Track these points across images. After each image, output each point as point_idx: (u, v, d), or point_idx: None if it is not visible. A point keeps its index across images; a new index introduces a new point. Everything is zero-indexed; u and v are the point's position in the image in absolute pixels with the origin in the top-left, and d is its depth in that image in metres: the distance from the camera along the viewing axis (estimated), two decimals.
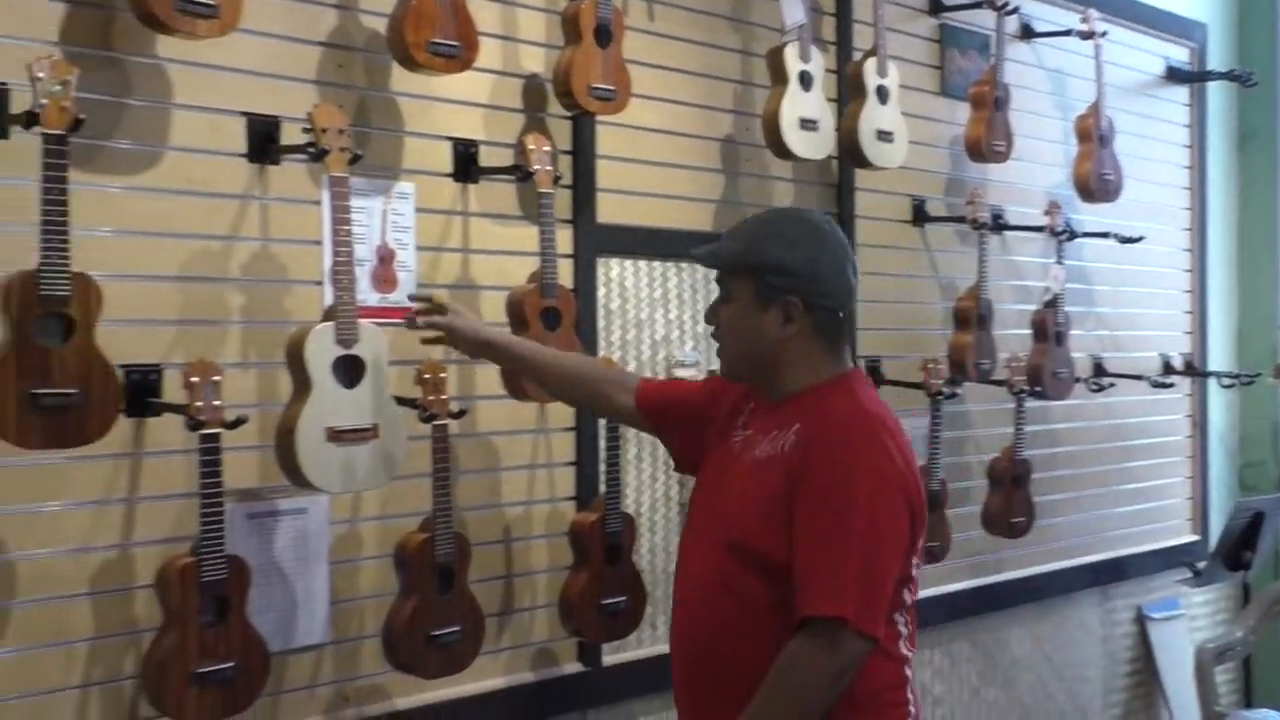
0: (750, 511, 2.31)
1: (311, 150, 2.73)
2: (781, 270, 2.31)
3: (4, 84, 2.45)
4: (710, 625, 2.35)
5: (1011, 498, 4.50)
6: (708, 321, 2.45)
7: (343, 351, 2.72)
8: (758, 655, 2.25)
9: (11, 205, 2.46)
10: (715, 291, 2.48)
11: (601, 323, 3.51)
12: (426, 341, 2.82)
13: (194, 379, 2.54)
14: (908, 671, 2.38)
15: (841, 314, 2.39)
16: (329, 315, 2.74)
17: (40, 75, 2.33)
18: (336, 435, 2.71)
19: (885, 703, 2.33)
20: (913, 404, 4.25)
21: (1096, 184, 4.84)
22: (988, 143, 4.42)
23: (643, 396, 2.67)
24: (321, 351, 2.70)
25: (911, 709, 2.38)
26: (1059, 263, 4.66)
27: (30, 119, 2.35)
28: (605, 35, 3.26)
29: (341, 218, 2.74)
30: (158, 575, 2.59)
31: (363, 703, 3.03)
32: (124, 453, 2.65)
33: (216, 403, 2.55)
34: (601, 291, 3.50)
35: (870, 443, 2.27)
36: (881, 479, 2.25)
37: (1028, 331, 4.68)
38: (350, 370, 2.74)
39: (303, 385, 2.70)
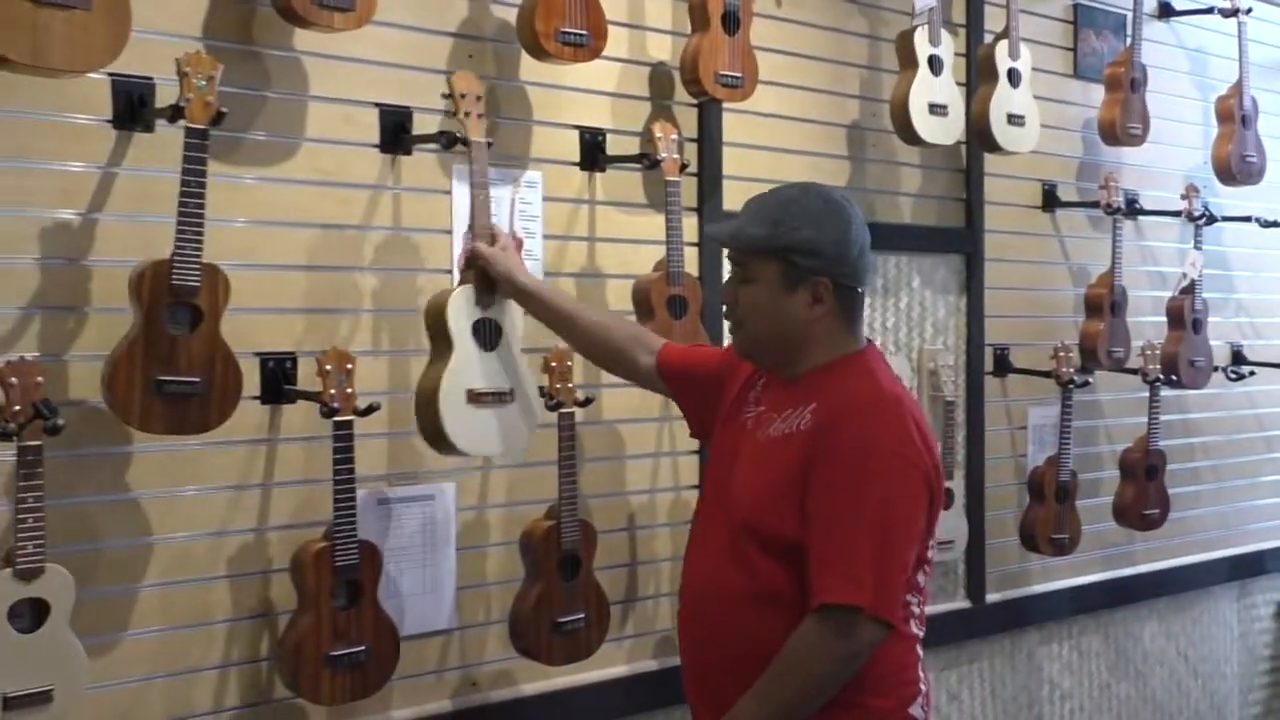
0: (763, 492, 2.27)
1: (449, 112, 2.78)
2: (812, 252, 2.25)
3: (149, 79, 2.51)
4: (723, 608, 2.31)
5: (1145, 489, 4.39)
6: (725, 303, 2.37)
7: (481, 314, 2.74)
8: (771, 638, 2.22)
9: (150, 196, 2.53)
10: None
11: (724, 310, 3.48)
12: (465, 270, 2.78)
13: (328, 367, 2.58)
14: (919, 650, 2.36)
15: (861, 290, 2.37)
16: (464, 280, 2.77)
17: (187, 71, 2.38)
18: (476, 398, 2.72)
19: (896, 682, 2.30)
20: (1043, 392, 4.17)
21: (1238, 166, 4.69)
22: (1123, 125, 4.30)
23: (664, 359, 2.64)
24: (462, 313, 2.72)
25: (921, 687, 2.35)
26: (1197, 248, 4.52)
27: (175, 113, 2.40)
28: (732, 22, 3.23)
29: (480, 181, 2.74)
30: (293, 559, 2.64)
31: (489, 688, 3.06)
32: (259, 439, 2.70)
33: (350, 390, 2.59)
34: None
35: (889, 424, 2.24)
36: (901, 461, 2.21)
37: (1163, 319, 4.55)
38: (489, 333, 2.75)
39: (443, 348, 2.72)
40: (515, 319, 2.82)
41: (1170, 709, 4.87)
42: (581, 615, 2.97)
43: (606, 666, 3.22)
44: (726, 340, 3.47)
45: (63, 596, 2.28)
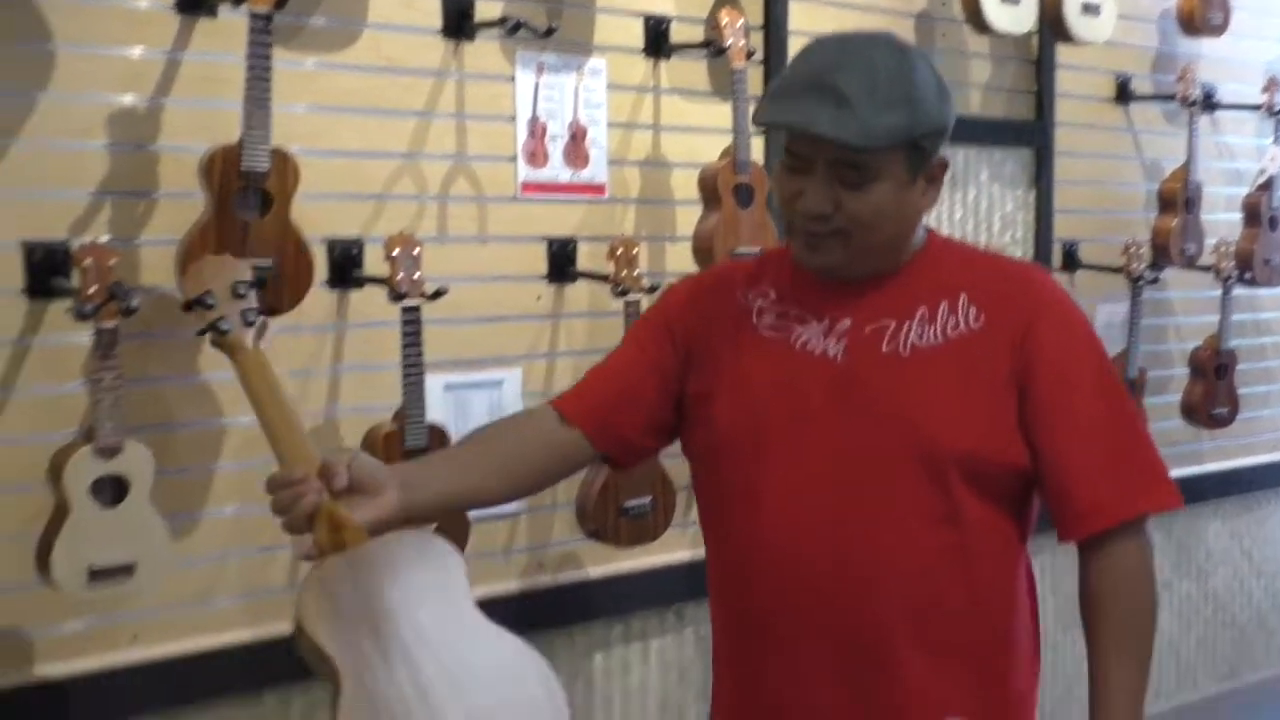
0: (973, 417, 1.75)
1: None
2: (941, 130, 1.79)
3: None
4: (903, 574, 1.75)
5: (1214, 388, 4.34)
6: (813, 213, 1.74)
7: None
8: (984, 596, 1.80)
9: (215, 81, 2.54)
10: None
11: None
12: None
13: (395, 251, 2.60)
14: None
15: None
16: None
17: None
18: None
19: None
20: (1112, 289, 4.12)
21: None
22: (1202, 15, 4.19)
23: (584, 417, 1.87)
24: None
25: None
26: (1276, 142, 4.41)
27: None
28: None
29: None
30: (363, 442, 2.68)
31: (557, 570, 3.12)
32: (328, 324, 2.74)
33: (417, 275, 2.61)
34: (774, 176, 3.45)
35: (1068, 297, 1.89)
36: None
37: (1238, 216, 4.47)
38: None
39: None
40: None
41: (1232, 608, 4.86)
42: (648, 499, 3.00)
43: (672, 551, 3.26)
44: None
45: (142, 473, 2.34)
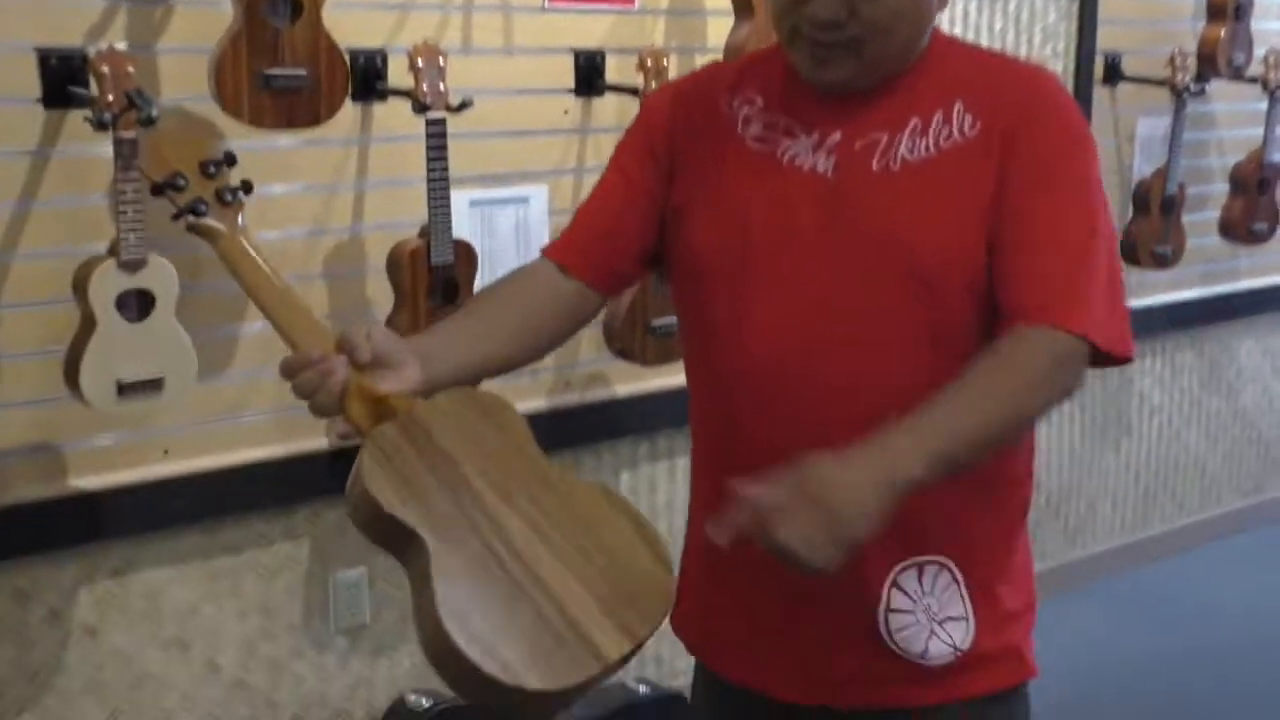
0: (954, 230, 1.59)
1: None
2: None
3: None
4: (906, 390, 1.54)
5: (1255, 203, 4.25)
6: (835, 19, 1.56)
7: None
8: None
9: None
10: None
11: None
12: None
13: (420, 62, 2.52)
14: None
15: None
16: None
17: None
18: None
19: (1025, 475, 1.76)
20: (1154, 102, 4.00)
21: None
22: None
23: (578, 265, 1.74)
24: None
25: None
26: None
27: None
28: None
29: None
30: (389, 258, 2.66)
31: (584, 389, 3.12)
32: (352, 138, 2.69)
33: (442, 86, 2.54)
34: None
35: (1071, 103, 1.67)
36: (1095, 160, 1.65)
37: None
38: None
39: None
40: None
41: (1260, 424, 4.86)
42: (674, 318, 2.97)
43: None
44: None
45: (167, 288, 2.32)
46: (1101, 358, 1.56)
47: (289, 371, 1.52)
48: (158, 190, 1.64)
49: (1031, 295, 1.55)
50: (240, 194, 1.66)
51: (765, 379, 1.63)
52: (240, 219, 1.66)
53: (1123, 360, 1.59)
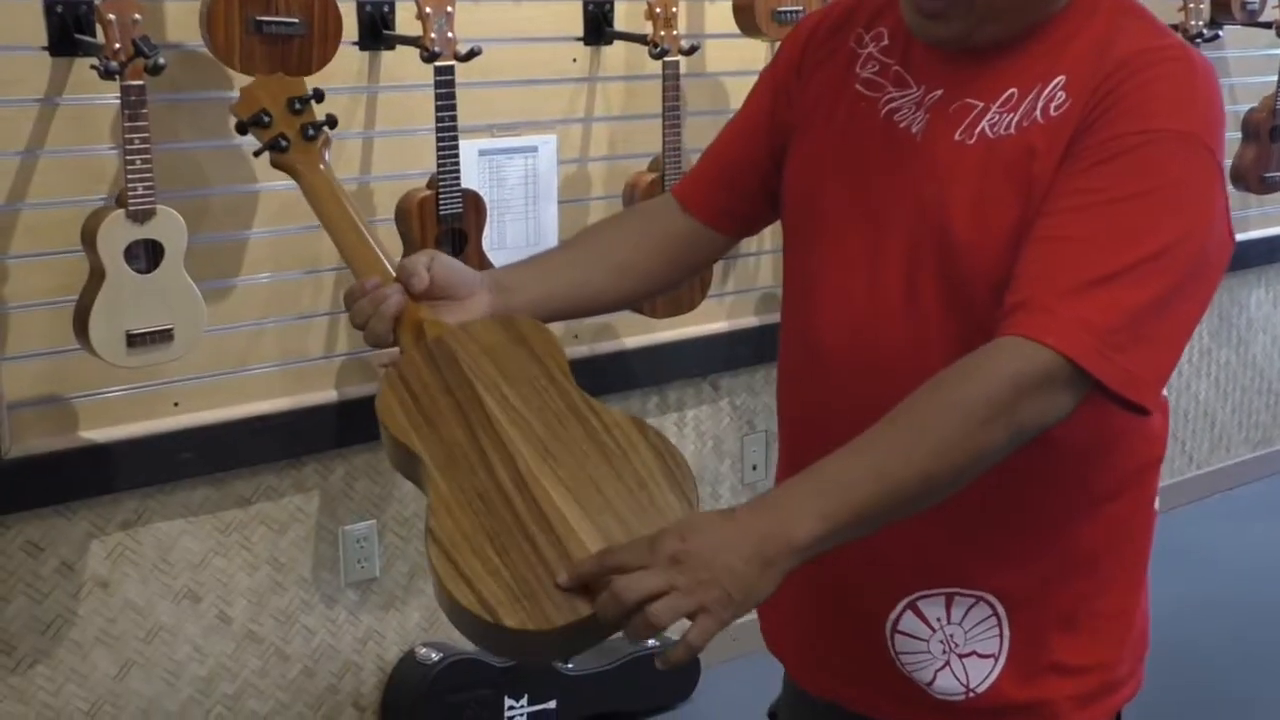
0: (997, 226, 1.36)
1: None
2: None
3: None
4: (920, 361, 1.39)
5: (1267, 151, 4.21)
6: None
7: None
8: None
9: None
10: None
11: None
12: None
13: (428, 10, 2.49)
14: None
15: None
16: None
17: None
18: None
19: (1143, 468, 1.53)
20: None
21: None
22: None
23: (697, 202, 1.64)
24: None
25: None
26: None
27: None
28: None
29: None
30: (397, 208, 2.64)
31: (593, 341, 3.10)
32: (359, 87, 2.66)
33: (450, 34, 2.51)
34: None
35: (1201, 97, 1.35)
36: (1212, 163, 1.34)
37: None
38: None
39: None
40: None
41: (1270, 375, 4.84)
42: None
43: (708, 321, 3.24)
44: None
45: (175, 238, 2.31)
46: (1114, 396, 1.27)
47: (348, 300, 1.51)
48: (242, 128, 1.65)
49: (1019, 294, 1.28)
50: (325, 129, 1.66)
51: (820, 352, 1.49)
52: (325, 154, 1.65)
53: (1138, 409, 1.28)
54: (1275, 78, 4.14)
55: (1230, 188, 4.27)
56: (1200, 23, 3.84)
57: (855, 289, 1.45)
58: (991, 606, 1.47)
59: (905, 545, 1.42)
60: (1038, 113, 1.36)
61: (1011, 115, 1.37)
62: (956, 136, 1.40)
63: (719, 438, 3.41)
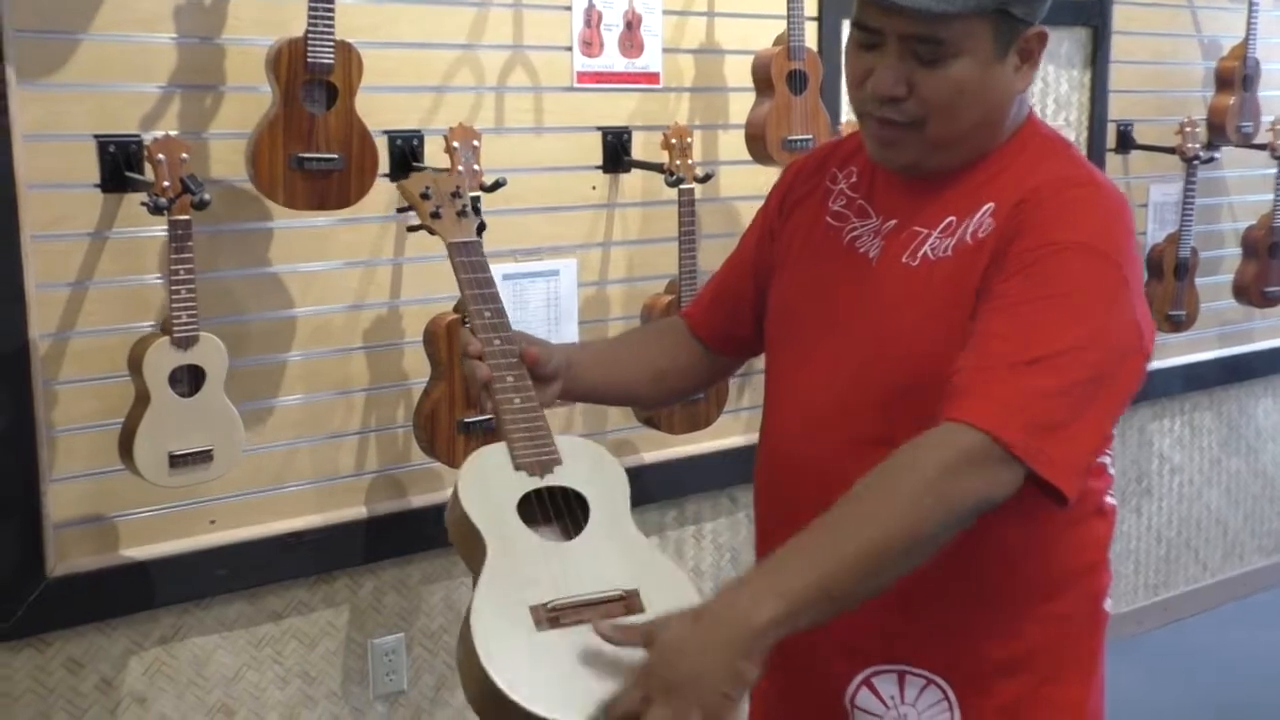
0: (930, 343, 1.52)
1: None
2: None
3: None
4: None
5: (1267, 267, 4.32)
6: (885, 96, 1.53)
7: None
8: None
9: None
10: None
11: (843, 87, 3.45)
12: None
13: (455, 144, 2.62)
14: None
15: None
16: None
17: None
18: None
19: (1085, 572, 1.66)
20: (1166, 169, 4.10)
21: None
22: None
23: (699, 325, 1.90)
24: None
25: (1111, 572, 1.72)
26: None
27: None
28: None
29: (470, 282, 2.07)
30: (426, 331, 2.74)
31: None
32: (389, 216, 2.78)
33: (476, 167, 2.64)
34: (844, 56, 3.44)
35: (1106, 219, 1.52)
36: (1124, 276, 1.49)
37: None
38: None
39: None
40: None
41: (1279, 483, 4.91)
42: None
43: (723, 437, 3.32)
44: (848, 115, 3.47)
45: (217, 363, 2.41)
46: (1045, 486, 1.38)
47: (463, 357, 1.76)
48: (406, 208, 1.91)
49: (952, 387, 1.41)
50: (479, 217, 1.91)
51: (775, 458, 1.69)
52: (475, 231, 1.87)
53: (1058, 495, 1.39)
54: (1272, 196, 4.27)
55: (1233, 302, 4.37)
56: (1197, 145, 3.97)
57: (814, 393, 1.63)
58: (943, 691, 1.58)
59: (862, 621, 1.52)
60: (969, 236, 1.54)
61: (949, 239, 1.55)
62: (904, 259, 1.58)
63: (736, 550, 3.47)
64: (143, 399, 2.37)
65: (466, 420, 2.71)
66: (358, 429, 2.81)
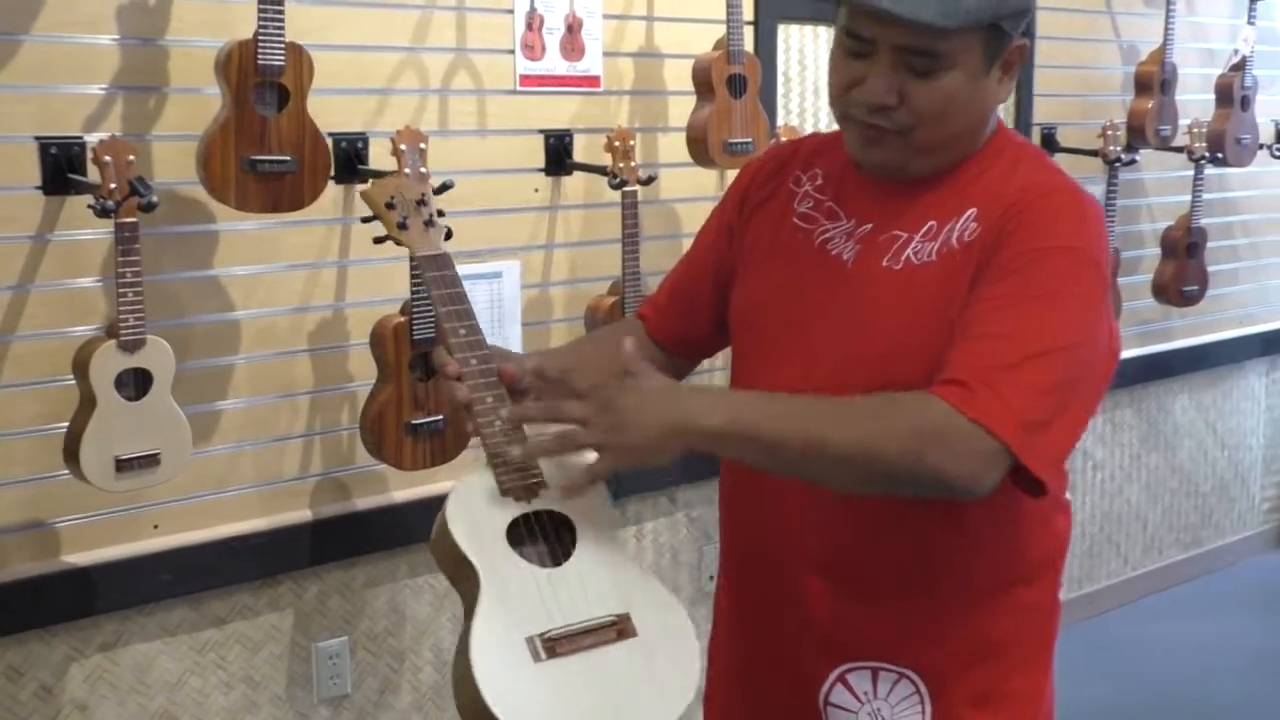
0: (916, 346, 1.55)
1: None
2: (1024, 10, 1.55)
3: None
4: (822, 502, 1.60)
5: (1185, 266, 4.45)
6: (875, 104, 1.56)
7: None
8: (895, 530, 1.60)
9: None
10: None
11: (780, 90, 3.51)
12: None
13: (402, 146, 2.61)
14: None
15: None
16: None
17: None
18: None
19: (1052, 565, 1.75)
20: (1089, 171, 4.19)
21: None
22: None
23: (655, 328, 1.90)
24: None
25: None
26: (1250, 22, 4.47)
27: None
28: None
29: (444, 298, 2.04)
30: (373, 333, 2.74)
31: None
32: (335, 218, 2.78)
33: (423, 169, 2.63)
34: (781, 59, 3.49)
35: (1087, 226, 1.57)
36: (1100, 280, 1.55)
37: (1211, 97, 4.54)
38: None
39: None
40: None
41: (1196, 478, 5.03)
42: None
43: None
44: (781, 119, 3.53)
45: (163, 367, 2.39)
46: (1024, 475, 1.43)
47: (441, 378, 1.77)
48: (370, 218, 1.89)
49: (944, 376, 1.45)
50: (445, 226, 1.90)
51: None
52: (440, 240, 1.87)
53: (1038, 481, 1.44)
54: (1189, 197, 4.39)
55: (1153, 301, 4.49)
56: (1118, 148, 4.07)
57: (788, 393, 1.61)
58: (914, 685, 1.63)
59: (835, 618, 1.62)
60: (954, 240, 1.57)
61: (932, 244, 1.58)
62: (884, 263, 1.60)
63: (676, 549, 3.50)
64: (88, 403, 2.34)
65: (414, 422, 2.71)
66: (303, 432, 2.80)
